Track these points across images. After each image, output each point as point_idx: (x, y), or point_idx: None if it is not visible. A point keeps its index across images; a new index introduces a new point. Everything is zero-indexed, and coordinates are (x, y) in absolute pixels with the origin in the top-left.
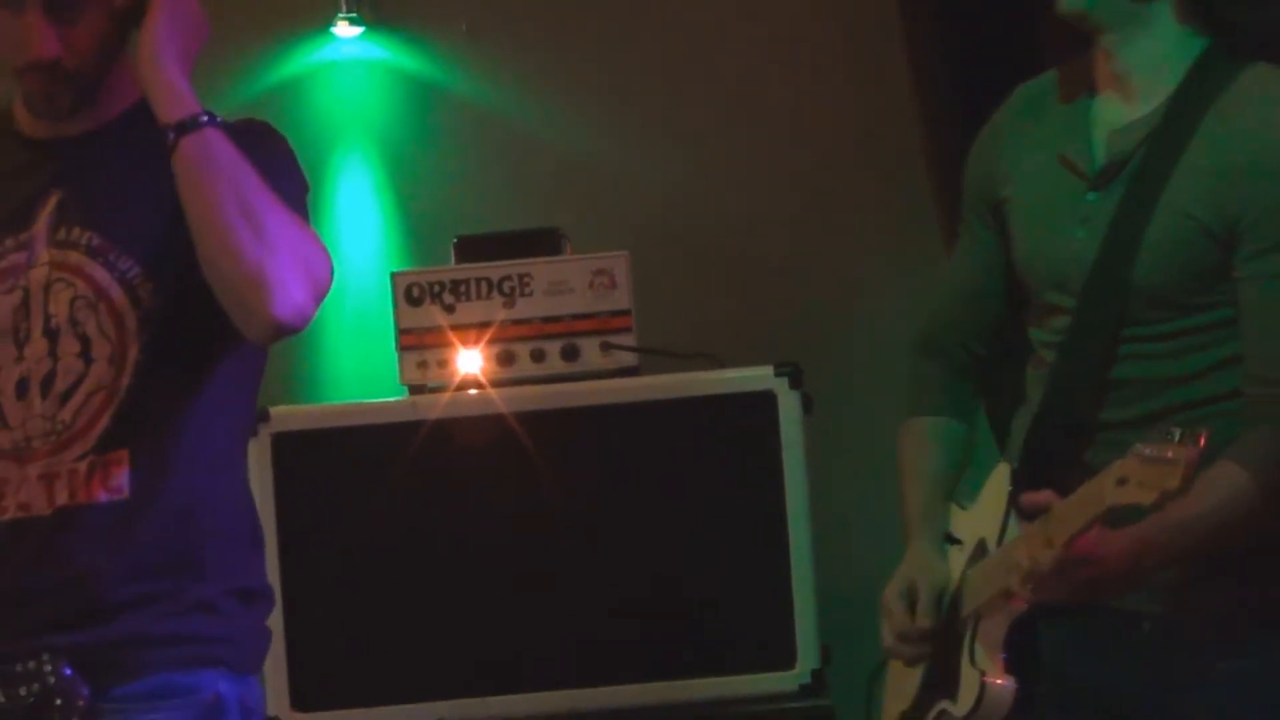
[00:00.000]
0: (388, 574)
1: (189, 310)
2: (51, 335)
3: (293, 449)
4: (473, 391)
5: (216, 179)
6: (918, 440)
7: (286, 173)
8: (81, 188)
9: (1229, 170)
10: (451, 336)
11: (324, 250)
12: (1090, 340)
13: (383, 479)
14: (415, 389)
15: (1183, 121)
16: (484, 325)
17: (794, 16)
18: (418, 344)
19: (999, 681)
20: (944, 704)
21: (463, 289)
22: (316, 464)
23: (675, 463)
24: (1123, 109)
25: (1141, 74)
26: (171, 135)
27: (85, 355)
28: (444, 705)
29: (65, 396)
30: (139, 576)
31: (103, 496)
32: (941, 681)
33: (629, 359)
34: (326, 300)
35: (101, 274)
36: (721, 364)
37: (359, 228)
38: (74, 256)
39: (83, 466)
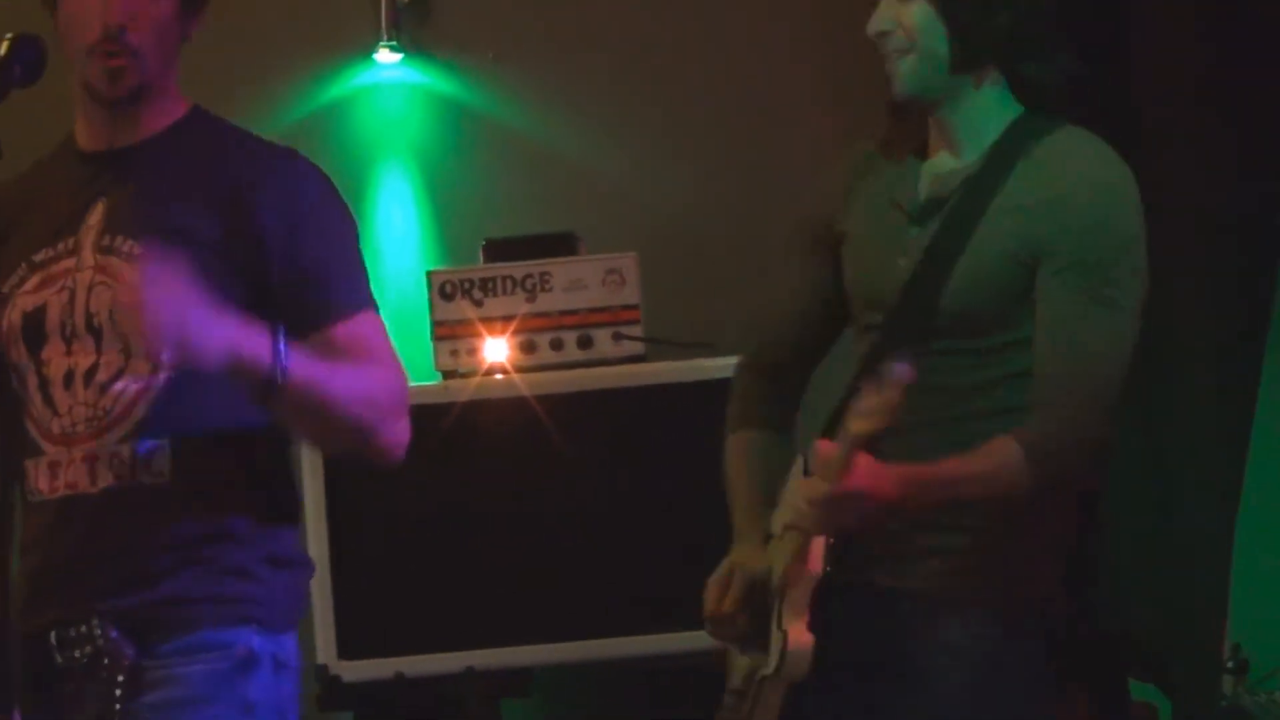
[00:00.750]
0: (423, 538)
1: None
2: (95, 332)
3: None
4: (499, 376)
5: (312, 415)
6: (744, 453)
7: (337, 219)
8: (125, 198)
9: (1035, 205)
10: (480, 328)
11: (399, 372)
12: (895, 350)
13: (419, 454)
14: (448, 374)
15: (997, 168)
16: (509, 318)
17: (789, 39)
18: (450, 334)
19: (798, 638)
20: (762, 669)
21: (490, 285)
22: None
23: (676, 438)
24: (948, 160)
25: (965, 129)
26: (261, 403)
27: (125, 350)
28: (472, 654)
29: (105, 386)
30: (178, 547)
31: (146, 480)
32: (760, 650)
33: (637, 348)
34: (376, 292)
35: (137, 279)
36: (718, 352)
37: (398, 231)
38: (114, 262)
39: (125, 450)
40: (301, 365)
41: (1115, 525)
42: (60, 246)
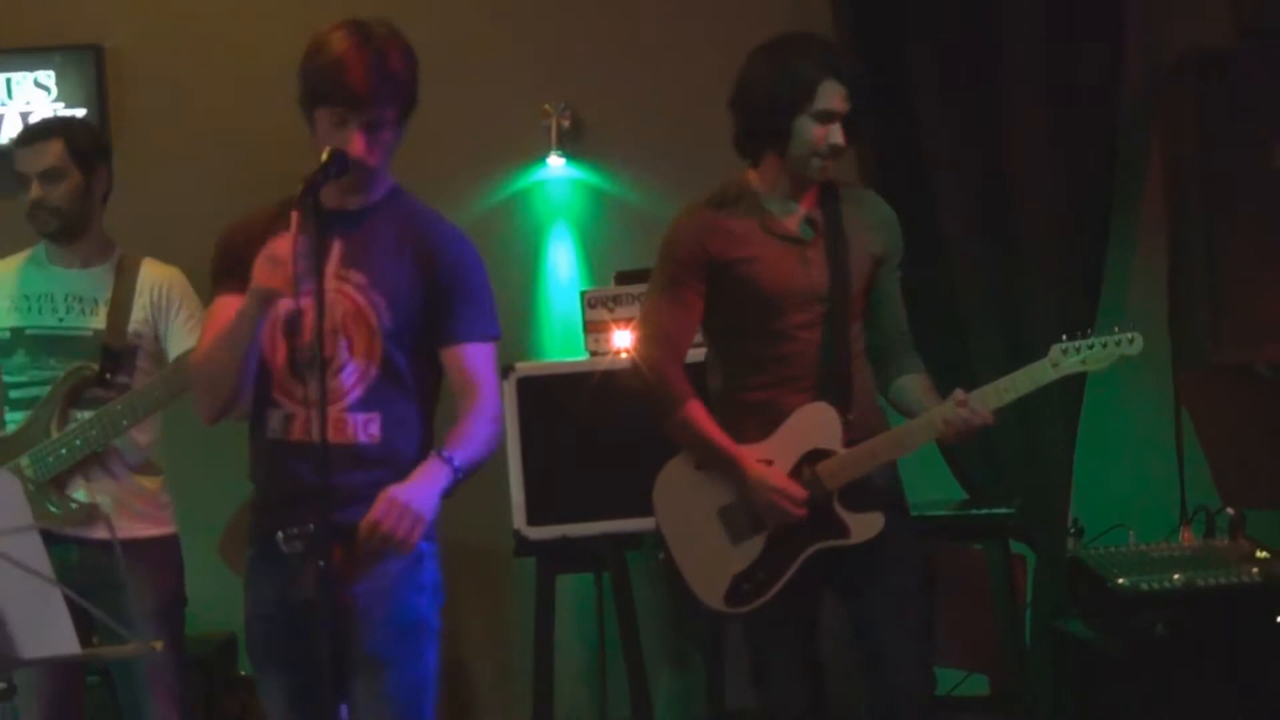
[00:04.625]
0: (578, 451)
1: (414, 333)
2: (334, 332)
3: (529, 387)
4: (624, 354)
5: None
6: (701, 414)
7: (477, 272)
8: (355, 242)
9: (876, 225)
10: (612, 325)
11: (492, 387)
12: (837, 327)
13: (575, 400)
14: (593, 353)
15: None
16: (630, 319)
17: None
18: (595, 329)
19: (877, 518)
20: (829, 543)
21: (619, 299)
22: (542, 394)
23: None
24: (791, 204)
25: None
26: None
27: (349, 348)
28: (607, 523)
29: (337, 370)
30: (379, 485)
31: (363, 439)
32: (813, 532)
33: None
34: (549, 304)
35: (361, 300)
36: None
37: (563, 268)
38: (347, 287)
39: (349, 417)
40: (463, 459)
41: (992, 441)
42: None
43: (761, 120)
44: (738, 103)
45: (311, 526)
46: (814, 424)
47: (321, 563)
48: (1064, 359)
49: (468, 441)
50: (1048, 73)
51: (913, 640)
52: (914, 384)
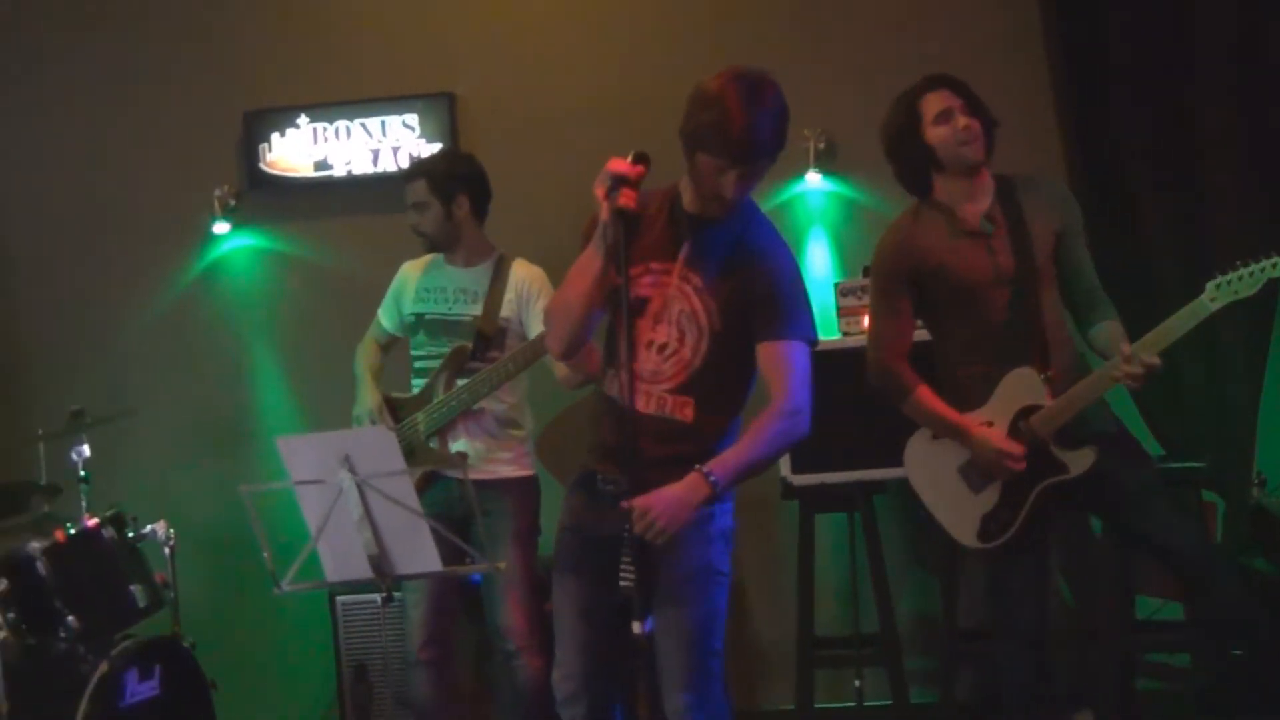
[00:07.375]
0: (835, 409)
1: (736, 336)
2: (670, 323)
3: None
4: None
5: (749, 475)
6: (934, 396)
7: (795, 277)
8: (702, 248)
9: (1052, 205)
10: (861, 310)
11: (795, 394)
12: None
13: (833, 370)
14: (845, 334)
15: (1010, 200)
16: None
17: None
18: (846, 313)
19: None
20: (1054, 479)
21: (867, 288)
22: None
23: None
24: (970, 204)
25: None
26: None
27: (681, 340)
28: (855, 473)
29: (666, 356)
30: (686, 460)
31: (677, 416)
32: (1038, 473)
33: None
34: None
35: (696, 303)
36: None
37: (821, 263)
38: (687, 288)
39: (669, 398)
40: (724, 471)
41: (1185, 405)
42: (666, 264)
43: (907, 155)
44: (893, 161)
45: (621, 478)
46: (1021, 386)
47: (628, 526)
48: (1218, 292)
49: (738, 453)
50: (1233, 54)
51: (1167, 516)
52: (1108, 331)
